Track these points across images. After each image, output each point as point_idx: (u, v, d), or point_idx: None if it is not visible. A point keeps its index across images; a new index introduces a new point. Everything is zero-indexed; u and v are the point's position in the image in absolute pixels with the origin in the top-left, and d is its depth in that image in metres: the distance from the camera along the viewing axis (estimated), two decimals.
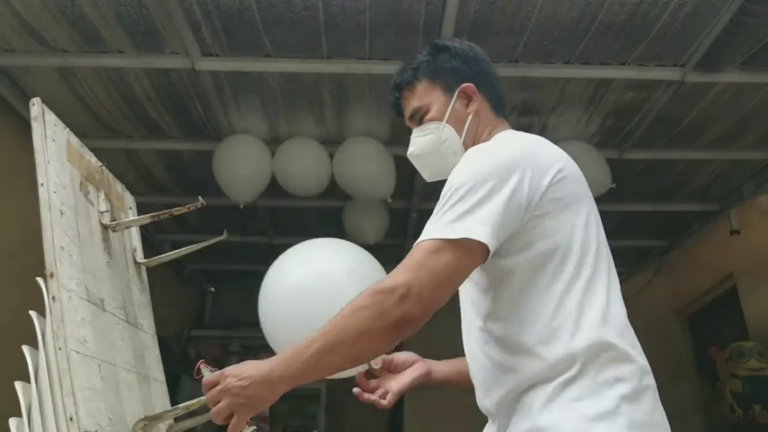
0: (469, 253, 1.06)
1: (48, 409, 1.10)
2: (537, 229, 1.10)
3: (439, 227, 1.07)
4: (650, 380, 1.08)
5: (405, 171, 3.34)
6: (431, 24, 2.32)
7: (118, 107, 2.82)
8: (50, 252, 1.20)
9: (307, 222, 4.08)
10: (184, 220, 3.97)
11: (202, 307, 5.28)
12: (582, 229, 1.13)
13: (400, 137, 3.12)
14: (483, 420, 1.24)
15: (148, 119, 2.92)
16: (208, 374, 1.10)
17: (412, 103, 1.38)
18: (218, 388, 1.04)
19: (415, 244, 1.08)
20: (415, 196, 3.57)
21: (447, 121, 1.33)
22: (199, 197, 1.57)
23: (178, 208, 1.56)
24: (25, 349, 1.16)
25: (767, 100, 2.81)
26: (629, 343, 1.09)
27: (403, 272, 1.05)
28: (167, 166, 3.37)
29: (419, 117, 1.37)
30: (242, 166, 2.97)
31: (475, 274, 1.16)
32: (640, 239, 4.30)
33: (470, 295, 1.22)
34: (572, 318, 1.07)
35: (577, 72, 2.61)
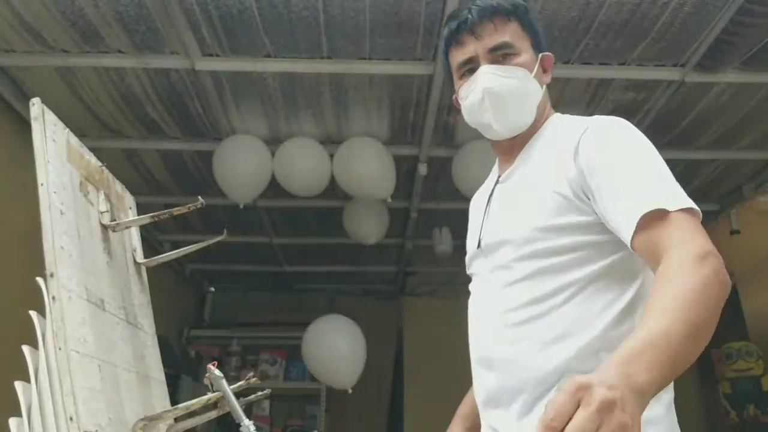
0: None
1: (48, 409, 1.10)
2: None
3: (676, 196, 0.97)
4: None
5: (405, 171, 3.35)
6: (431, 24, 2.32)
7: (118, 107, 2.82)
8: (50, 252, 1.20)
9: (307, 222, 4.08)
10: (184, 220, 3.97)
11: (202, 307, 5.27)
12: None
13: (401, 137, 3.12)
14: None
15: (148, 119, 2.92)
16: (216, 374, 1.07)
17: (503, 36, 1.21)
18: (594, 406, 0.64)
19: (668, 209, 0.95)
20: (415, 196, 3.57)
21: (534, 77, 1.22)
22: (199, 197, 1.57)
23: (178, 208, 1.55)
24: (25, 349, 1.16)
25: (767, 100, 2.81)
26: None
27: (703, 239, 0.92)
28: (167, 166, 3.37)
29: (503, 54, 1.21)
30: (242, 166, 2.97)
31: (581, 234, 1.09)
32: None
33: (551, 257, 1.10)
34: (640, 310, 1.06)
35: (577, 72, 2.61)
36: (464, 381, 1.34)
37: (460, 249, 1.60)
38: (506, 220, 1.20)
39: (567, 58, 2.55)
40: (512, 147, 1.27)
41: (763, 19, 2.20)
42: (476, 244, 1.27)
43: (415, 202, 3.65)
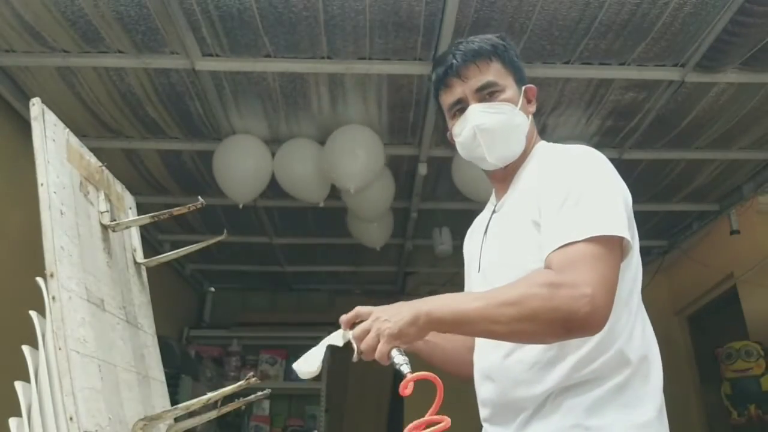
0: (620, 252, 1.11)
1: (48, 409, 1.10)
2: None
3: (588, 225, 1.07)
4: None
5: (405, 171, 3.35)
6: (431, 24, 2.32)
7: (118, 107, 2.82)
8: (50, 252, 1.20)
9: (307, 222, 4.08)
10: (184, 220, 3.97)
11: (202, 307, 5.27)
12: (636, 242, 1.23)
13: (400, 137, 3.12)
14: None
15: (148, 119, 2.92)
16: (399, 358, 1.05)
17: (487, 76, 1.30)
18: (369, 319, 1.06)
19: (563, 244, 1.07)
20: (415, 196, 3.57)
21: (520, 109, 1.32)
22: (199, 197, 1.57)
23: (178, 208, 1.55)
24: (25, 349, 1.16)
25: (767, 100, 2.81)
26: (657, 355, 1.18)
27: (582, 271, 1.02)
28: (167, 166, 3.37)
29: (490, 92, 1.30)
30: (242, 166, 2.97)
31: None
32: (640, 239, 4.29)
33: None
34: (630, 324, 1.13)
35: (577, 72, 2.61)
36: (463, 381, 1.34)
37: (459, 249, 1.60)
38: (501, 245, 1.30)
39: (567, 58, 2.55)
40: (505, 176, 1.36)
41: (763, 19, 2.20)
42: (477, 268, 1.37)
43: (415, 202, 3.65)
